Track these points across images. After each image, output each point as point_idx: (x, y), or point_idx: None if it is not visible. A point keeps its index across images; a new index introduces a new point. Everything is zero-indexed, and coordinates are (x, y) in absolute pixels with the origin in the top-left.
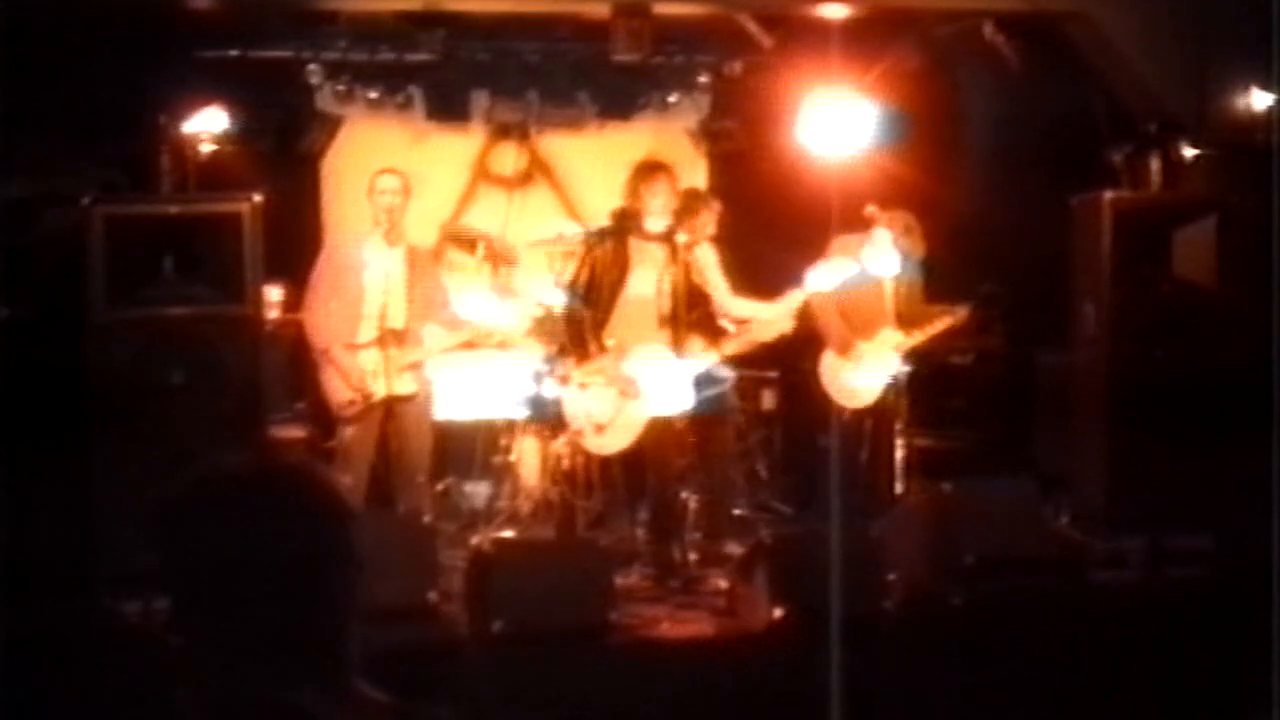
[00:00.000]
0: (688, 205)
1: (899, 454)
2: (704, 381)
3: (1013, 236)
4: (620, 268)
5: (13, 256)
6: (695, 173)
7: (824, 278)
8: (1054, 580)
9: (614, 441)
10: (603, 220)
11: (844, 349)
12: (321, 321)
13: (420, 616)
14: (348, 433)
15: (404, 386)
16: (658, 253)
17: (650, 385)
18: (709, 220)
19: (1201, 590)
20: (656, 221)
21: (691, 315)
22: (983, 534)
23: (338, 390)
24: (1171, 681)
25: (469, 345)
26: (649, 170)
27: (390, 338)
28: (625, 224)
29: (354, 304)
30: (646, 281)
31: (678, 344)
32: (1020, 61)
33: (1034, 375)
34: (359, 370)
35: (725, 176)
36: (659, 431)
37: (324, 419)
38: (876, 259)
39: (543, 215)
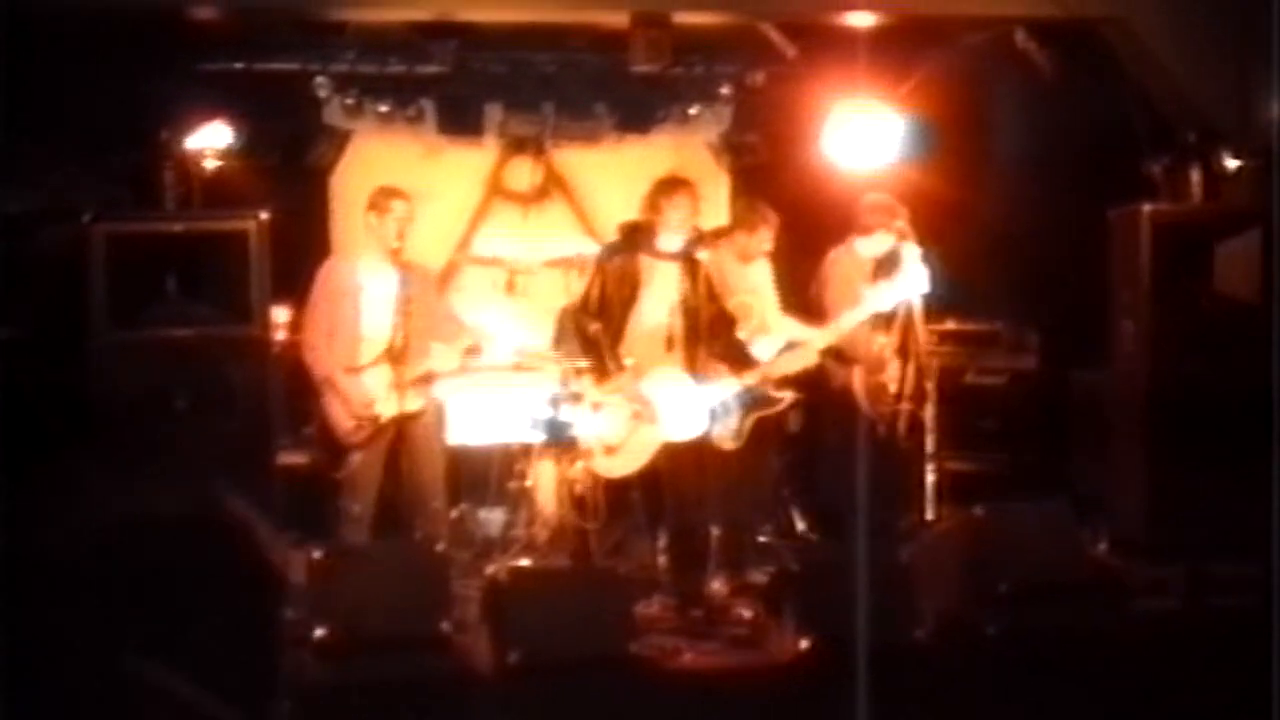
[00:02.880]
0: (742, 219)
1: (930, 477)
2: (726, 406)
3: (1047, 251)
4: (631, 286)
5: (12, 274)
6: (717, 188)
7: (884, 297)
8: (1092, 609)
9: (623, 465)
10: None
11: (877, 369)
12: (321, 347)
13: (433, 648)
14: (355, 460)
15: (412, 404)
16: (670, 272)
17: (666, 409)
18: (766, 236)
19: (1247, 620)
20: (672, 239)
21: (715, 344)
22: (1017, 560)
23: (342, 418)
24: (1215, 718)
25: (481, 366)
26: (671, 185)
27: (394, 356)
28: (637, 239)
29: (353, 326)
30: (658, 303)
31: (691, 368)
32: (1053, 70)
33: (1070, 394)
34: (363, 394)
35: (748, 191)
36: (677, 456)
37: (331, 445)
38: (908, 278)
39: (559, 232)
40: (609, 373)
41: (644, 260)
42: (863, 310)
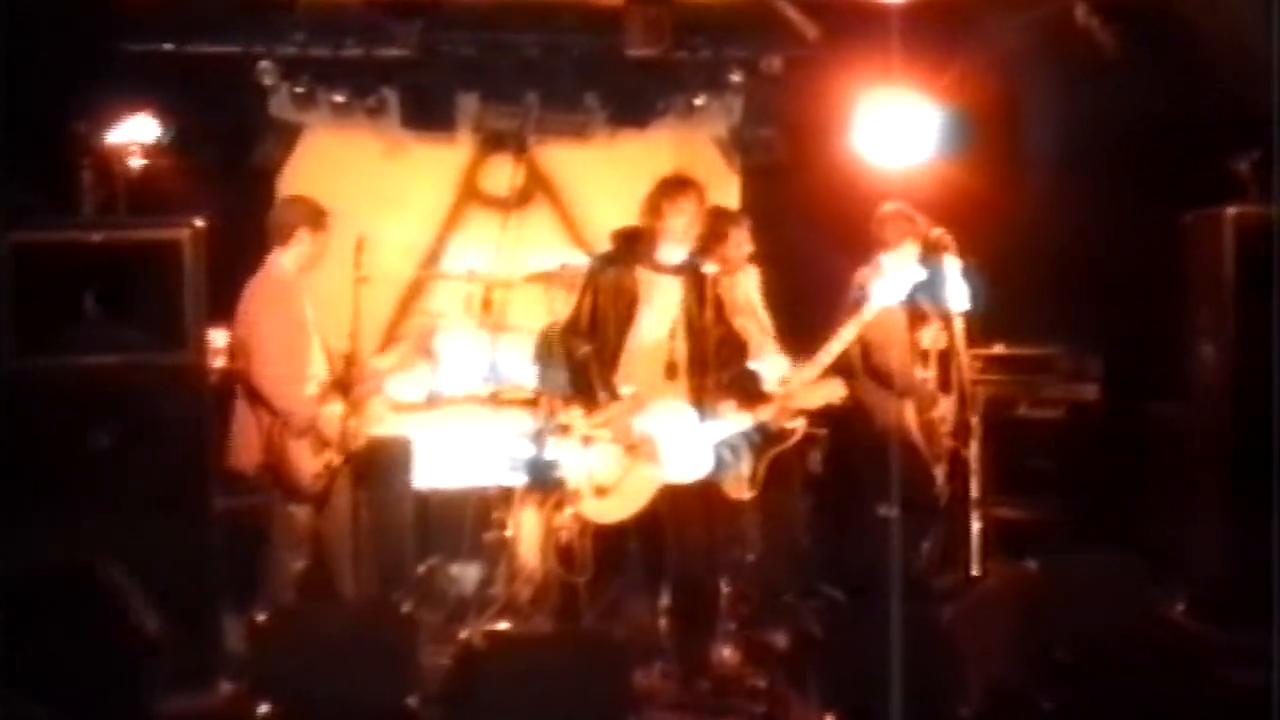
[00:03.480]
0: (709, 227)
1: (975, 526)
2: (735, 450)
3: (1111, 263)
4: (628, 303)
5: None
6: (726, 190)
7: (890, 288)
8: (1165, 681)
9: (617, 508)
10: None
11: (930, 405)
12: (281, 375)
13: None
14: (303, 506)
15: (370, 429)
16: (672, 287)
17: (668, 445)
18: (739, 239)
19: None
20: (675, 249)
21: (723, 373)
22: (1078, 624)
23: (304, 461)
24: None
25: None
26: (676, 186)
27: (343, 383)
28: (635, 249)
29: (305, 347)
30: (658, 323)
31: (697, 399)
32: (1119, 50)
33: (1138, 430)
34: (329, 430)
35: (761, 194)
36: (680, 499)
37: (289, 489)
38: (947, 292)
39: (543, 242)
40: (600, 403)
41: (642, 273)
42: (868, 310)
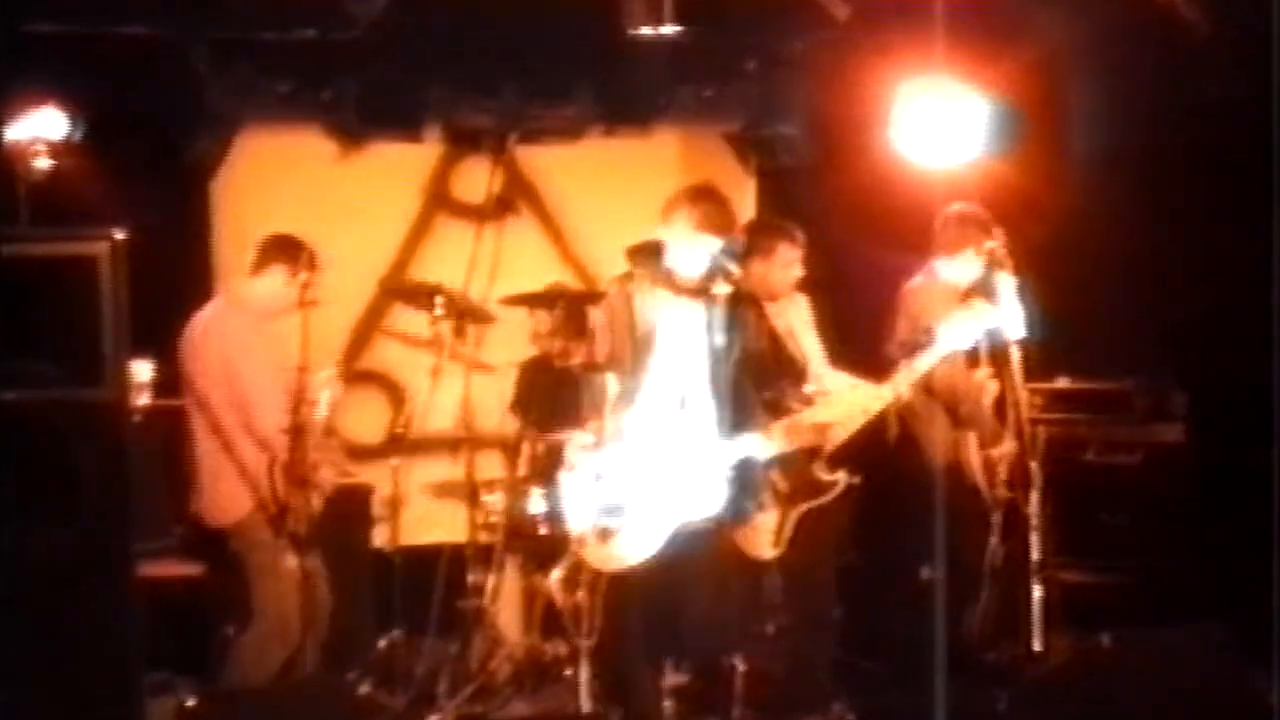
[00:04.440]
0: (754, 240)
1: (1037, 592)
2: (755, 494)
3: (1197, 281)
4: (645, 330)
5: None
6: (740, 195)
7: (961, 331)
8: None
9: (626, 554)
10: (606, 264)
11: (994, 439)
12: (279, 415)
13: None
14: (242, 566)
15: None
16: (692, 310)
17: (681, 486)
18: (790, 258)
19: None
20: (687, 265)
21: (756, 395)
22: (1160, 707)
23: (302, 504)
24: None
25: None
26: (701, 195)
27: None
28: (652, 267)
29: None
30: (677, 350)
31: (723, 432)
32: (1208, 29)
33: (1229, 480)
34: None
35: (782, 201)
36: (693, 558)
37: (213, 549)
38: (998, 307)
39: (525, 259)
40: (602, 435)
41: (662, 294)
42: (934, 352)
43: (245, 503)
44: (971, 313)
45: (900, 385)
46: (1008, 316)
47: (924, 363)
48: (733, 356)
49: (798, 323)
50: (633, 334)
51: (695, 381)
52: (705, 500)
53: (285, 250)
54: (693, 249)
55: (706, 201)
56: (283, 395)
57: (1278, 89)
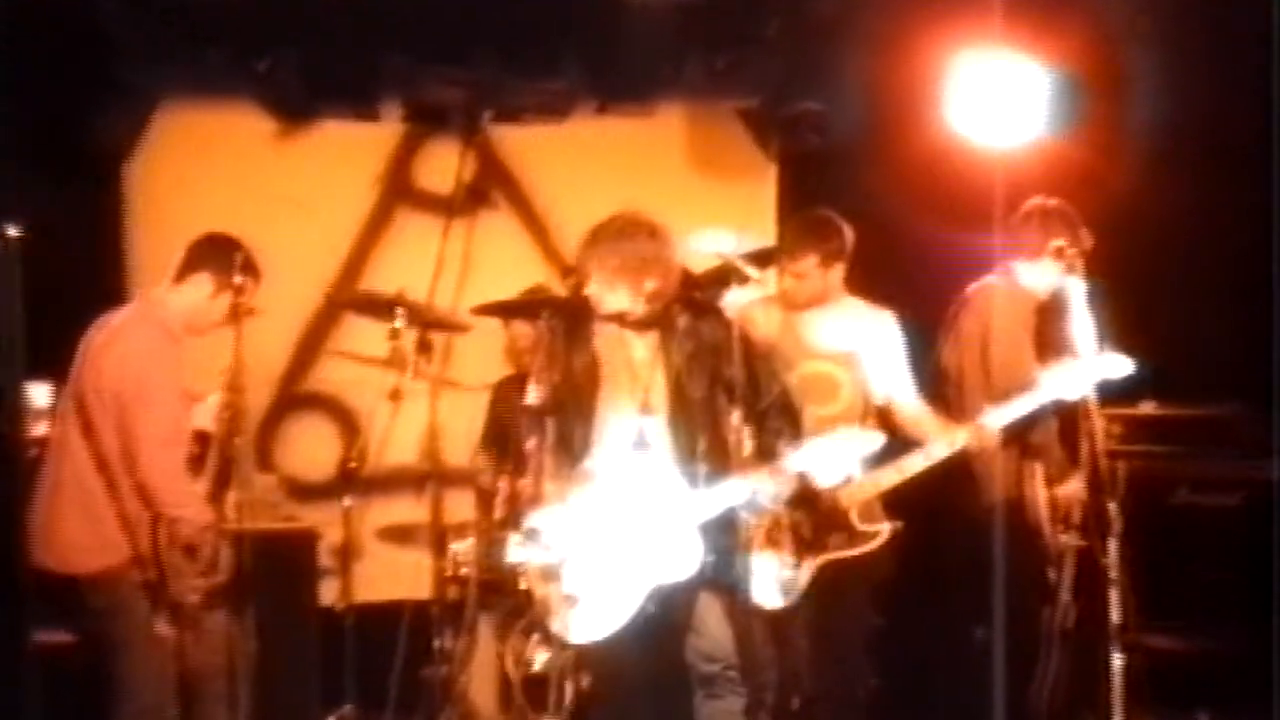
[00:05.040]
0: (790, 237)
1: (1117, 661)
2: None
3: None
4: (589, 363)
5: None
6: (759, 183)
7: (1070, 379)
8: None
9: (593, 625)
10: None
11: (1060, 474)
12: (177, 461)
13: None
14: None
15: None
16: (635, 346)
17: (661, 537)
18: (828, 257)
19: None
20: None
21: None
22: None
23: (187, 568)
24: None
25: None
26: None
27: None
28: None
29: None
30: (631, 384)
31: (686, 467)
32: None
33: None
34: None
35: (808, 188)
36: (679, 614)
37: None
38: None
39: (502, 260)
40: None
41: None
42: (1033, 398)
43: (115, 552)
44: (1087, 362)
45: (978, 437)
46: (1080, 329)
47: (1013, 412)
48: (701, 383)
49: (857, 340)
50: (575, 368)
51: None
52: (680, 554)
53: (217, 253)
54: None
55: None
56: (185, 434)
57: (1278, 89)
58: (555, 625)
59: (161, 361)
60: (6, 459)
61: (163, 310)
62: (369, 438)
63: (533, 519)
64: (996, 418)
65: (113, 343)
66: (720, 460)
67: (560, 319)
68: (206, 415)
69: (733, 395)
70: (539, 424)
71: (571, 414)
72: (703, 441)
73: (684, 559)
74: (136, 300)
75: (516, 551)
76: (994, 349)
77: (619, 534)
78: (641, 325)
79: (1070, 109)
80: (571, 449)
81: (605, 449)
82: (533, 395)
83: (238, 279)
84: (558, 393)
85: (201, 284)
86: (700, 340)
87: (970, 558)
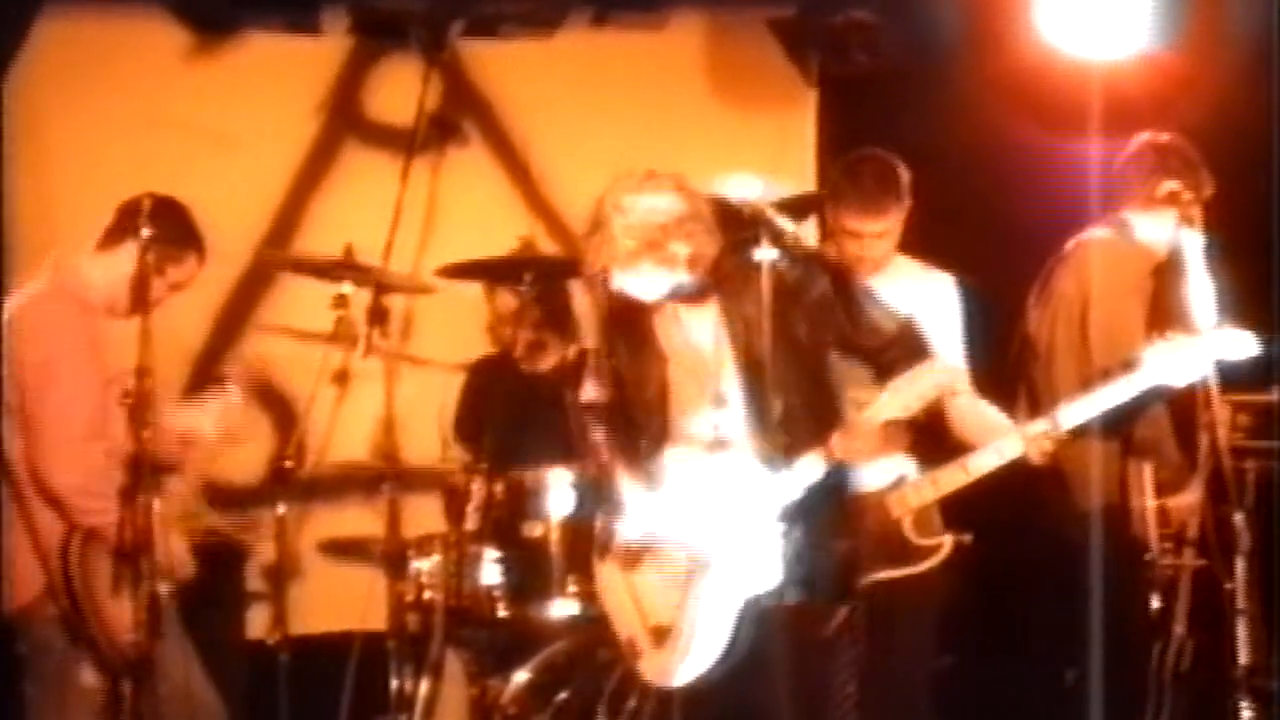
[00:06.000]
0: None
1: (1247, 713)
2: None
3: None
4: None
5: None
6: (797, 112)
7: (1179, 361)
8: None
9: (682, 661)
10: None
11: (1178, 481)
12: (87, 459)
13: None
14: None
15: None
16: (692, 326)
17: (727, 545)
18: (885, 208)
19: None
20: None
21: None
22: None
23: (119, 597)
24: None
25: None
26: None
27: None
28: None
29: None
30: (692, 372)
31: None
32: None
33: None
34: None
35: (855, 120)
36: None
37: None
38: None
39: (476, 208)
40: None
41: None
42: (1134, 382)
43: (32, 584)
44: (1203, 338)
45: (1058, 428)
46: (1196, 296)
47: (1107, 399)
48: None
49: (909, 310)
50: (633, 356)
51: (743, 409)
52: (767, 566)
53: (155, 221)
54: None
55: None
56: (104, 426)
57: (1278, 89)
58: (645, 669)
59: (74, 342)
60: None
61: (78, 280)
62: (308, 430)
63: (615, 538)
64: (1078, 410)
65: (19, 330)
66: (814, 438)
67: (604, 294)
68: (207, 418)
69: (847, 346)
70: (600, 423)
71: (636, 414)
72: (799, 426)
73: (770, 569)
74: (47, 269)
75: (492, 571)
76: (1094, 314)
77: (702, 549)
78: (694, 299)
79: (1172, 18)
80: (637, 455)
81: (675, 452)
82: (590, 392)
83: (191, 261)
84: (619, 389)
85: (132, 255)
86: (778, 291)
87: (1058, 581)
